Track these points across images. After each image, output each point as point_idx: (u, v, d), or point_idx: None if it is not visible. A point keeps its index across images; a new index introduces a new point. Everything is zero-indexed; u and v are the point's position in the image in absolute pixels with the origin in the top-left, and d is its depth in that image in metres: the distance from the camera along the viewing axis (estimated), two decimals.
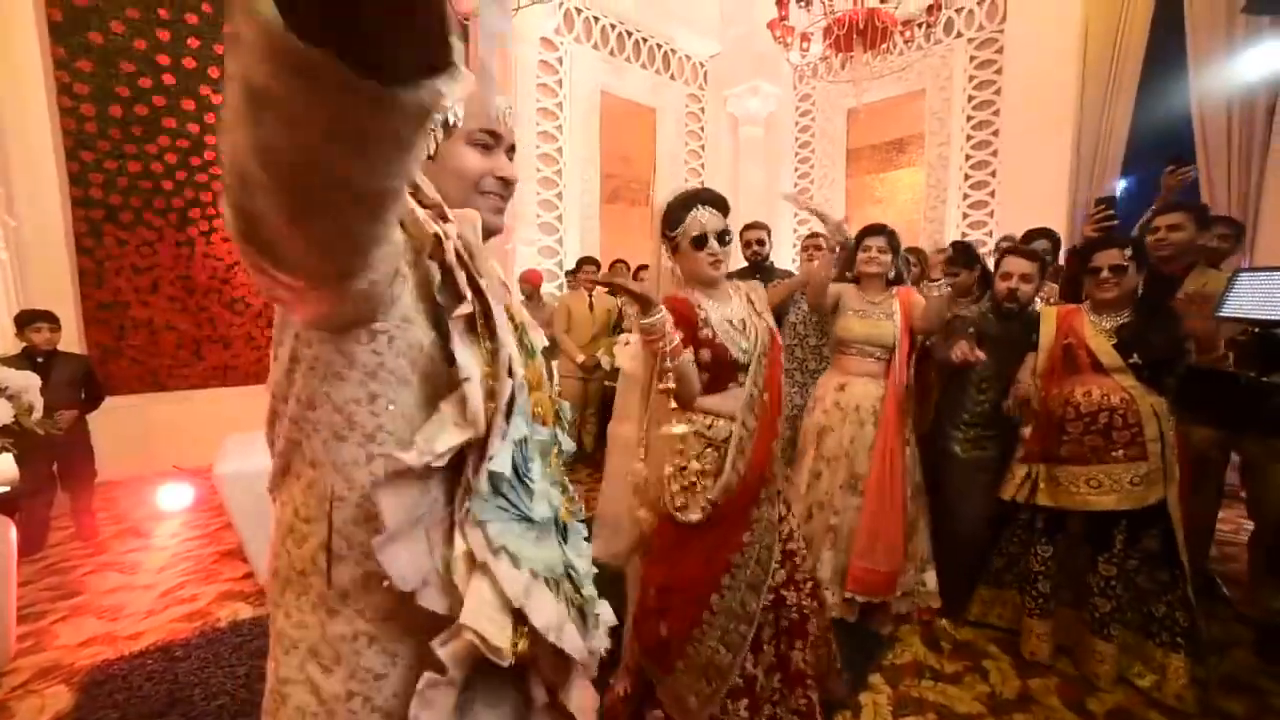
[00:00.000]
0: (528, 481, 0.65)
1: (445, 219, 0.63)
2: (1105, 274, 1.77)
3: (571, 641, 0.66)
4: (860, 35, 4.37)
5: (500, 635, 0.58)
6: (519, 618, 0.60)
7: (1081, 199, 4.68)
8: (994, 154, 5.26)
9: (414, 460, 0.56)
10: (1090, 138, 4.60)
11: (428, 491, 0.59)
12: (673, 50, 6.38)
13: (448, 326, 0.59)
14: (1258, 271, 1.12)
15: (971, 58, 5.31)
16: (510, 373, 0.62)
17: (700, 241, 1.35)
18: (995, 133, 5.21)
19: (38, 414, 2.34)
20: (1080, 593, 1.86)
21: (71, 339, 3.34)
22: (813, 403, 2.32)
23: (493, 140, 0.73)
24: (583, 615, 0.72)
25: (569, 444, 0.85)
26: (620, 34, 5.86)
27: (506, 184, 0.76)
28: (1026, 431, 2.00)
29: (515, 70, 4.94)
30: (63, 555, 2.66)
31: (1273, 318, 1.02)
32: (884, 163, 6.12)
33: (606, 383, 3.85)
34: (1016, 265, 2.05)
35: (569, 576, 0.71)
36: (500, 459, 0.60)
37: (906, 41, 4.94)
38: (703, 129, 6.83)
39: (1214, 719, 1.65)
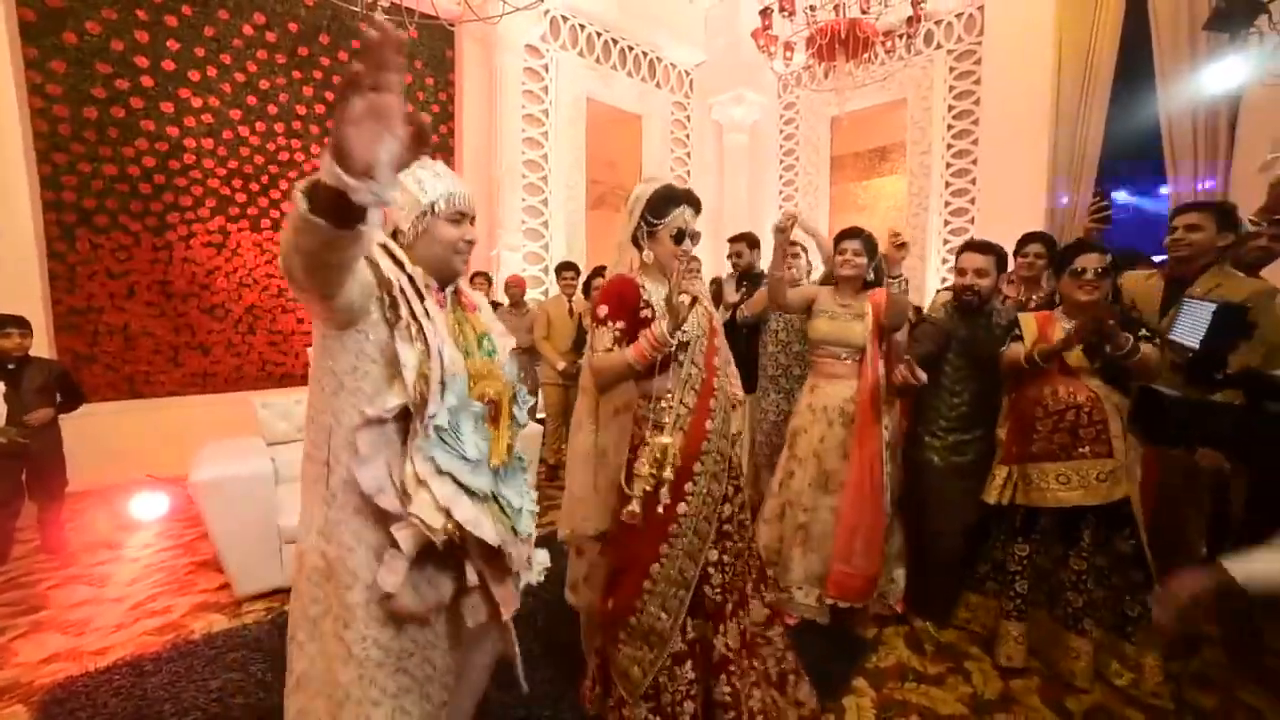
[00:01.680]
0: (458, 434, 1.01)
1: (403, 267, 1.00)
2: (1090, 275, 1.81)
3: (487, 533, 1.00)
4: (842, 45, 4.45)
5: (435, 520, 0.95)
6: (448, 514, 0.96)
7: (1059, 205, 4.81)
8: (974, 162, 5.37)
9: (373, 413, 0.95)
10: (1066, 146, 4.73)
11: (385, 433, 0.97)
12: (658, 58, 6.44)
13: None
14: (1194, 301, 1.20)
15: (951, 68, 5.43)
16: (443, 365, 0.97)
17: (680, 237, 1.48)
18: (975, 141, 5.33)
19: (0, 421, 2.28)
20: (1054, 592, 1.89)
21: (41, 345, 3.25)
22: (796, 406, 2.35)
23: (460, 217, 1.11)
24: (515, 532, 1.09)
25: (522, 416, 1.22)
26: (606, 42, 5.90)
27: (470, 244, 1.14)
28: (1002, 433, 2.03)
29: (500, 77, 4.94)
30: (26, 569, 2.57)
31: (1192, 344, 1.11)
32: (867, 170, 6.22)
33: None
34: (971, 261, 2.08)
35: (495, 500, 1.07)
36: (440, 417, 0.97)
37: (888, 52, 5.05)
38: (688, 136, 6.88)
39: (1188, 714, 1.68)
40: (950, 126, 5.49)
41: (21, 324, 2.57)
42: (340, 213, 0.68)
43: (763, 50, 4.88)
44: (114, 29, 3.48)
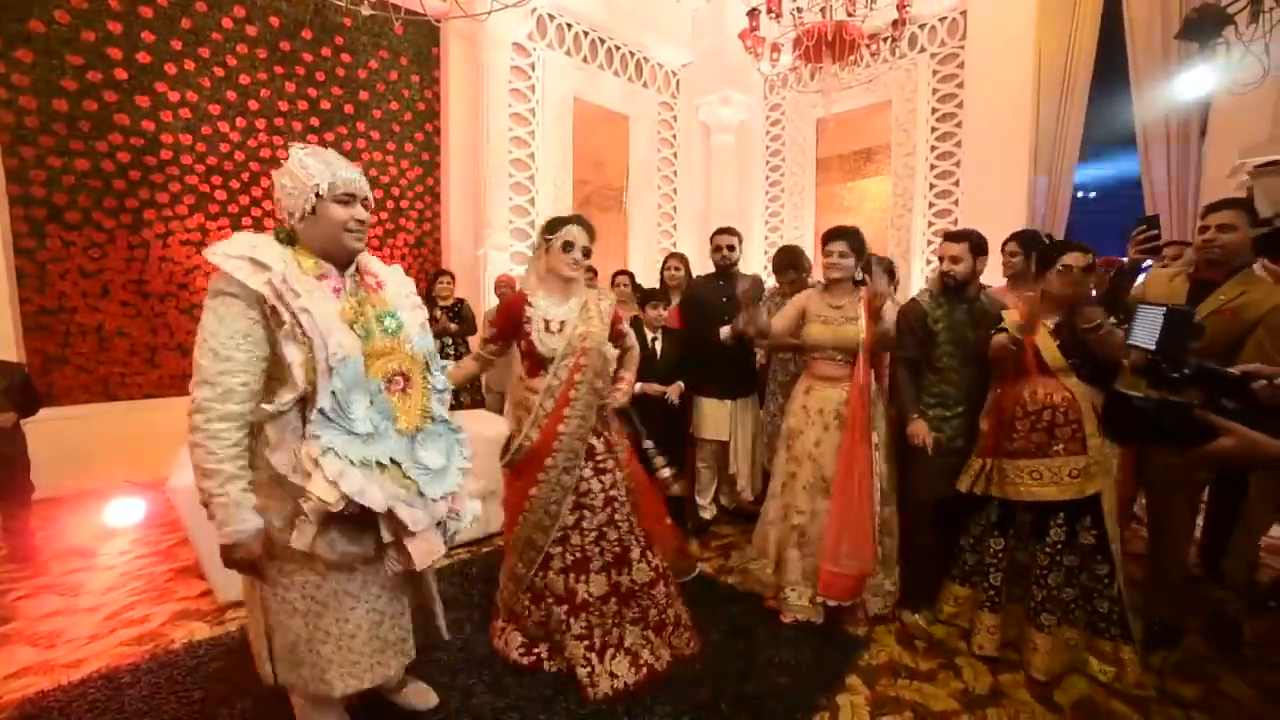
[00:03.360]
0: (348, 412, 1.16)
1: (262, 266, 1.12)
2: (1075, 272, 1.85)
3: (373, 499, 1.15)
4: (829, 47, 4.49)
5: (328, 495, 1.11)
6: (338, 486, 1.12)
7: (1039, 205, 4.91)
8: (957, 164, 5.45)
9: (271, 409, 1.15)
10: (1046, 148, 4.83)
11: (288, 423, 1.17)
12: (645, 58, 6.43)
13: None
14: (1148, 306, 1.27)
15: (935, 71, 5.51)
16: (328, 352, 1.13)
17: (568, 247, 1.76)
18: (958, 143, 5.41)
19: None
20: (1025, 586, 1.93)
21: (8, 346, 3.14)
22: (789, 404, 2.35)
23: (349, 199, 1.22)
24: (420, 494, 1.25)
25: (439, 382, 1.38)
26: (593, 41, 5.88)
27: (362, 224, 1.24)
28: (985, 425, 2.06)
29: (486, 75, 4.89)
30: None
31: (1148, 346, 1.18)
32: (852, 172, 6.29)
33: None
34: (946, 249, 2.17)
35: (394, 464, 1.22)
36: (324, 401, 1.13)
37: (873, 54, 5.10)
38: (675, 137, 6.88)
39: (1170, 705, 1.72)
40: (934, 128, 5.57)
41: None
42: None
43: (749, 51, 4.90)
44: (84, 18, 3.37)
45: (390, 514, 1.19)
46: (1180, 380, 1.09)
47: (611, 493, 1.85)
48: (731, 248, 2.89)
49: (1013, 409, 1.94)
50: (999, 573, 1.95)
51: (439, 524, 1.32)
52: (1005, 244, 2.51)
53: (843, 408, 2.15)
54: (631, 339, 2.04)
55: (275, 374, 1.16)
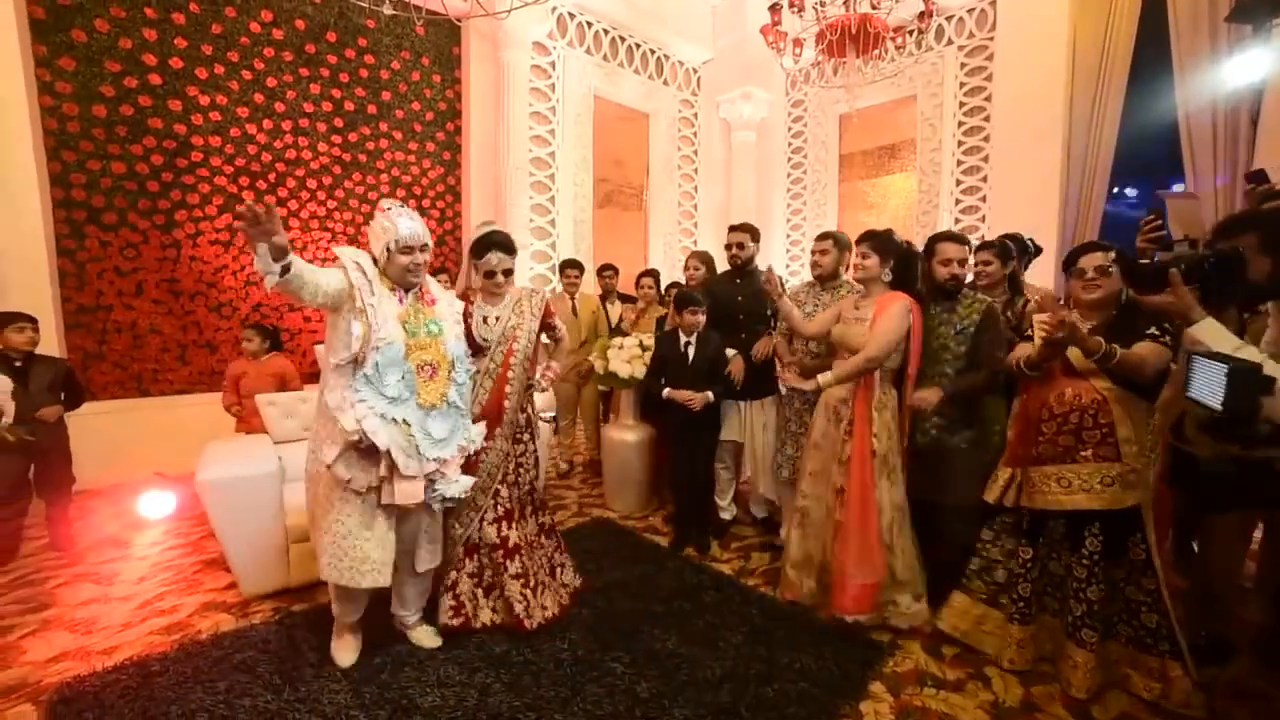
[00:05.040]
0: (383, 379, 1.67)
1: (365, 276, 1.69)
2: (1090, 275, 1.77)
3: (380, 439, 1.63)
4: (852, 40, 4.40)
5: (350, 425, 1.62)
6: (360, 424, 1.63)
7: (1072, 203, 4.73)
8: (985, 159, 5.30)
9: (335, 360, 1.67)
10: (1080, 143, 4.65)
11: (342, 375, 1.67)
12: (665, 56, 6.40)
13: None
14: (1206, 359, 1.15)
15: (963, 64, 5.36)
16: (376, 335, 1.65)
17: (490, 275, 2.07)
18: (986, 138, 5.25)
19: (8, 419, 2.27)
20: (1062, 599, 1.85)
21: (50, 343, 3.25)
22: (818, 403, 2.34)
23: (410, 250, 1.74)
24: (417, 450, 1.71)
25: (460, 376, 1.86)
26: (613, 39, 5.87)
27: (419, 265, 1.78)
28: (1011, 434, 1.99)
29: (507, 74, 4.92)
30: (35, 566, 2.56)
31: (1212, 405, 1.07)
32: (876, 168, 6.16)
33: (601, 387, 3.80)
34: (947, 251, 2.17)
35: (405, 424, 1.69)
36: (368, 367, 1.65)
37: (898, 48, 4.98)
38: (695, 135, 6.84)
39: None
40: (961, 123, 5.42)
41: (29, 319, 2.56)
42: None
43: (771, 46, 4.84)
44: (122, 27, 3.48)
45: (389, 454, 1.67)
46: (1256, 439, 0.99)
47: (521, 460, 2.15)
48: (741, 245, 2.84)
49: (1038, 412, 1.85)
50: (1028, 584, 1.86)
51: (429, 481, 1.77)
52: (978, 251, 2.44)
53: (842, 407, 2.16)
54: (561, 331, 2.29)
55: (341, 340, 1.66)
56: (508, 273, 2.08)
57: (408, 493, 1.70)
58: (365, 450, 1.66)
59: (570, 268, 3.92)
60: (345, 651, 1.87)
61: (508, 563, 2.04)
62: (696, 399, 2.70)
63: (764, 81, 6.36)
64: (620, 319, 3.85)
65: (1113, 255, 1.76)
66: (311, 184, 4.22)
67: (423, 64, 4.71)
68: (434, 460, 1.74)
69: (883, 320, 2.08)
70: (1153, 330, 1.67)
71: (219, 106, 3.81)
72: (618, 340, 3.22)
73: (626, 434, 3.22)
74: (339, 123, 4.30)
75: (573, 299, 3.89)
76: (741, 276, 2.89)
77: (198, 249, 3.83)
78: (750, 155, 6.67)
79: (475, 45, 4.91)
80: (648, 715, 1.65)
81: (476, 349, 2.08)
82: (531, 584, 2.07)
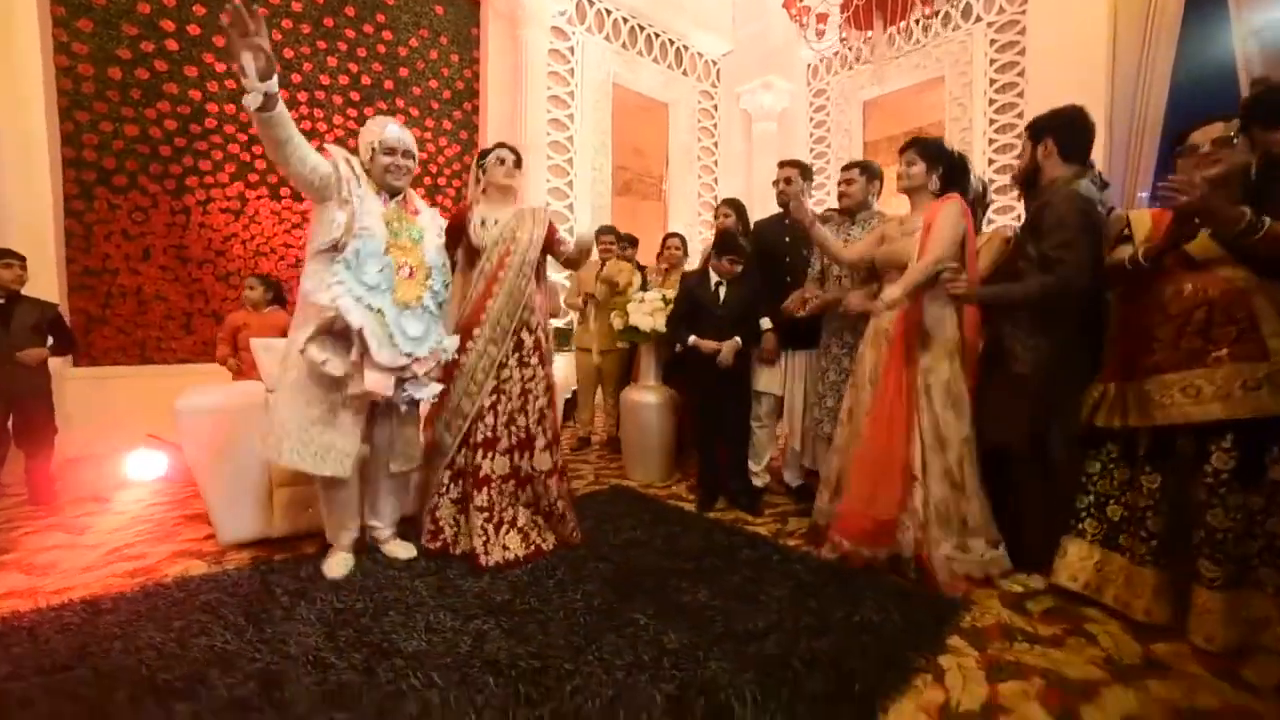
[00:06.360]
0: (362, 266, 1.67)
1: (354, 171, 1.73)
2: (1207, 149, 1.49)
3: (352, 317, 1.62)
4: (879, 8, 4.25)
5: (326, 301, 1.62)
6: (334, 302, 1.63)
7: (1116, 179, 4.43)
8: (1019, 137, 5.03)
9: (313, 248, 1.69)
10: (1124, 114, 4.37)
11: (321, 261, 1.67)
12: (685, 47, 6.34)
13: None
14: None
15: (992, 41, 5.16)
16: (357, 225, 1.68)
17: (501, 161, 2.09)
18: (1020, 115, 5.01)
19: None
20: (1190, 536, 1.51)
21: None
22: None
23: (391, 151, 1.79)
24: (390, 339, 1.69)
25: (436, 283, 1.87)
26: (632, 28, 5.83)
27: (400, 168, 1.81)
28: (1110, 352, 1.70)
29: (526, 54, 4.87)
30: (6, 517, 2.36)
31: None
32: None
33: (621, 343, 3.49)
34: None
35: (380, 313, 1.68)
36: (348, 254, 1.66)
37: (927, 17, 4.82)
38: (715, 126, 6.73)
39: None
40: (992, 101, 5.20)
41: (18, 257, 2.44)
42: (260, 105, 1.43)
43: (794, 20, 4.71)
44: None
45: (361, 337, 1.63)
46: None
47: (529, 385, 2.04)
48: (789, 180, 2.61)
49: (1149, 316, 1.57)
50: (1159, 517, 1.54)
51: (400, 379, 1.74)
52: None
53: (893, 327, 1.88)
54: (568, 246, 2.18)
55: (325, 228, 1.66)
56: (517, 162, 2.12)
57: (377, 382, 1.66)
58: (339, 333, 1.65)
59: (603, 233, 3.75)
60: (337, 566, 1.81)
61: (475, 493, 1.96)
62: (726, 349, 2.45)
63: (785, 71, 6.25)
64: (645, 281, 3.64)
65: (1237, 124, 1.49)
66: None
67: (441, 43, 4.67)
68: (406, 355, 1.71)
69: (938, 221, 1.84)
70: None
71: (234, 74, 3.77)
72: (639, 294, 2.99)
73: (648, 395, 2.96)
74: (355, 96, 4.24)
75: (603, 265, 3.69)
76: (789, 215, 2.65)
77: (208, 216, 3.74)
78: (771, 145, 6.50)
79: (494, 25, 4.88)
80: (678, 665, 1.35)
81: (473, 255, 2.07)
82: (495, 520, 1.96)
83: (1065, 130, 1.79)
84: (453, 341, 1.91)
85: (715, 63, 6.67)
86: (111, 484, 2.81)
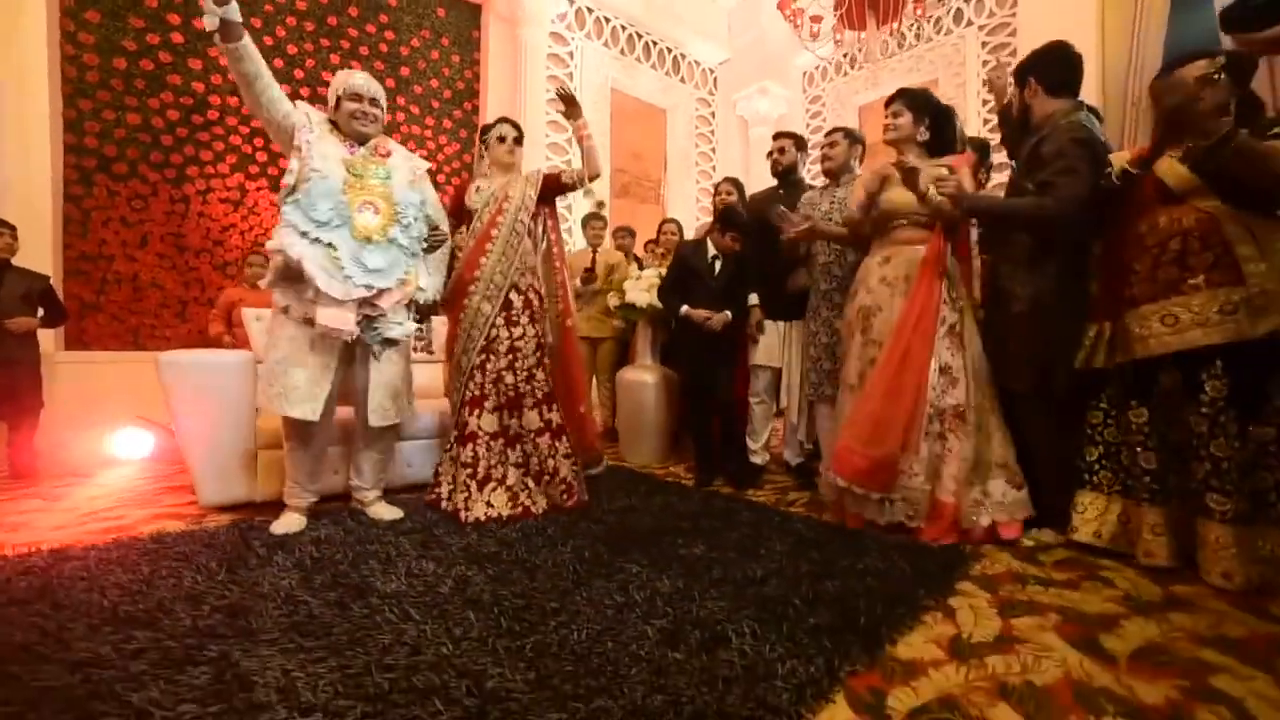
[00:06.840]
0: (314, 205, 1.65)
1: (308, 117, 1.76)
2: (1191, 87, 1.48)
3: (291, 251, 1.62)
4: (872, 8, 4.34)
5: (276, 243, 1.64)
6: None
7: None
8: None
9: (280, 199, 1.70)
10: (1115, 114, 4.42)
11: (283, 213, 1.68)
12: (682, 55, 6.47)
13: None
14: None
15: (984, 43, 5.26)
16: (312, 169, 1.67)
17: (502, 139, 2.16)
18: None
19: None
20: (1185, 471, 1.45)
21: None
22: (855, 287, 2.01)
23: (356, 98, 1.79)
24: (341, 271, 1.66)
25: (405, 219, 1.80)
26: (630, 35, 5.95)
27: (365, 114, 1.80)
28: (1094, 284, 1.67)
29: (525, 56, 4.96)
30: None
31: None
32: None
33: (617, 322, 3.45)
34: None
35: (332, 248, 1.66)
36: (299, 195, 1.66)
37: (919, 18, 4.91)
38: (713, 132, 6.82)
39: None
40: (985, 102, 5.27)
41: (9, 226, 2.43)
42: (222, 35, 1.49)
43: (789, 20, 4.81)
44: None
45: (305, 268, 1.63)
46: None
47: (517, 344, 2.05)
48: (783, 150, 2.62)
49: (1127, 251, 1.55)
50: (1150, 452, 1.49)
51: (368, 319, 1.72)
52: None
53: (913, 270, 1.82)
54: (570, 174, 2.24)
55: (286, 180, 1.68)
56: (518, 140, 2.19)
57: (333, 317, 1.65)
58: (294, 274, 1.64)
59: (593, 220, 3.76)
60: (283, 524, 1.74)
61: (461, 449, 1.98)
62: (715, 318, 2.42)
63: (781, 78, 6.36)
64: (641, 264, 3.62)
65: (1221, 61, 1.48)
66: None
67: (442, 44, 4.76)
68: (366, 287, 1.68)
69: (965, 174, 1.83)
70: (1278, 130, 1.37)
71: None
72: (635, 271, 2.97)
73: (644, 375, 2.91)
74: None
75: (594, 252, 3.68)
76: (785, 186, 2.64)
77: (207, 205, 3.75)
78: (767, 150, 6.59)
79: (494, 28, 4.98)
80: (672, 604, 1.28)
81: (468, 218, 2.13)
82: (480, 476, 1.95)
83: (1045, 65, 1.79)
84: (432, 284, 1.92)
85: (712, 71, 6.79)
86: (96, 461, 2.74)
